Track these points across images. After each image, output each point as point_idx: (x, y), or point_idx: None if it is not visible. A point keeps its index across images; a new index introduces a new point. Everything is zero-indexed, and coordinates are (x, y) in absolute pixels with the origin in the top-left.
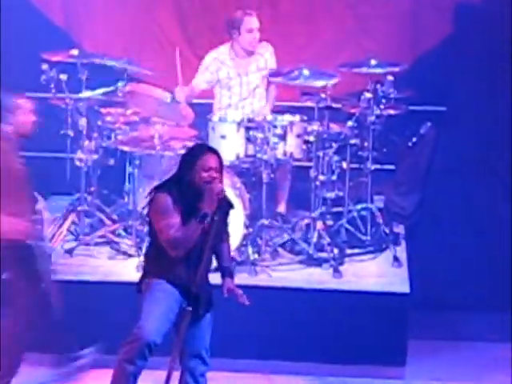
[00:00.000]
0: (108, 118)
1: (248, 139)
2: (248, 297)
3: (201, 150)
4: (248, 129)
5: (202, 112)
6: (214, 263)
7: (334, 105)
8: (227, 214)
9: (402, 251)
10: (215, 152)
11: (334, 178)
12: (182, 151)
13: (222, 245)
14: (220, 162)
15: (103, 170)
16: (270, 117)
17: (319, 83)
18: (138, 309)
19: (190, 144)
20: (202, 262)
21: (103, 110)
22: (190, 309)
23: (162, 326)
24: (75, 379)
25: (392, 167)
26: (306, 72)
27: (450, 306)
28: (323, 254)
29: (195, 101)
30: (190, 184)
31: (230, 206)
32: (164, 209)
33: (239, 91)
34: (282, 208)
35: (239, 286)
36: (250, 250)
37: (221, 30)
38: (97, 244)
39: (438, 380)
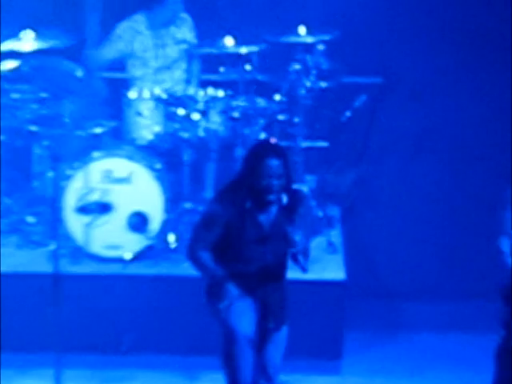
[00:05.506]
0: (14, 95)
1: (167, 116)
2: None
3: (264, 151)
4: (167, 105)
5: (117, 87)
6: None
7: (260, 77)
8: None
9: (337, 235)
10: (279, 154)
11: None
12: (97, 130)
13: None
14: (284, 166)
15: (9, 152)
16: (191, 91)
17: (243, 50)
18: None
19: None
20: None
21: (8, 87)
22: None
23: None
24: None
25: (325, 144)
26: (229, 40)
27: (389, 294)
28: None
29: (109, 75)
30: (251, 190)
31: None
32: (210, 220)
33: (155, 64)
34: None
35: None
36: (171, 236)
37: None
38: (4, 232)
39: (376, 374)
